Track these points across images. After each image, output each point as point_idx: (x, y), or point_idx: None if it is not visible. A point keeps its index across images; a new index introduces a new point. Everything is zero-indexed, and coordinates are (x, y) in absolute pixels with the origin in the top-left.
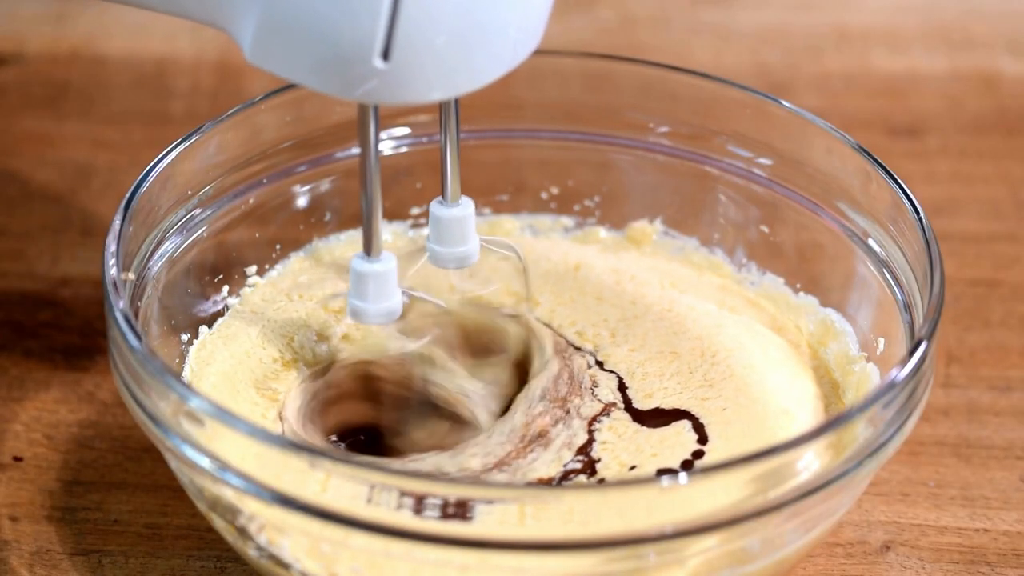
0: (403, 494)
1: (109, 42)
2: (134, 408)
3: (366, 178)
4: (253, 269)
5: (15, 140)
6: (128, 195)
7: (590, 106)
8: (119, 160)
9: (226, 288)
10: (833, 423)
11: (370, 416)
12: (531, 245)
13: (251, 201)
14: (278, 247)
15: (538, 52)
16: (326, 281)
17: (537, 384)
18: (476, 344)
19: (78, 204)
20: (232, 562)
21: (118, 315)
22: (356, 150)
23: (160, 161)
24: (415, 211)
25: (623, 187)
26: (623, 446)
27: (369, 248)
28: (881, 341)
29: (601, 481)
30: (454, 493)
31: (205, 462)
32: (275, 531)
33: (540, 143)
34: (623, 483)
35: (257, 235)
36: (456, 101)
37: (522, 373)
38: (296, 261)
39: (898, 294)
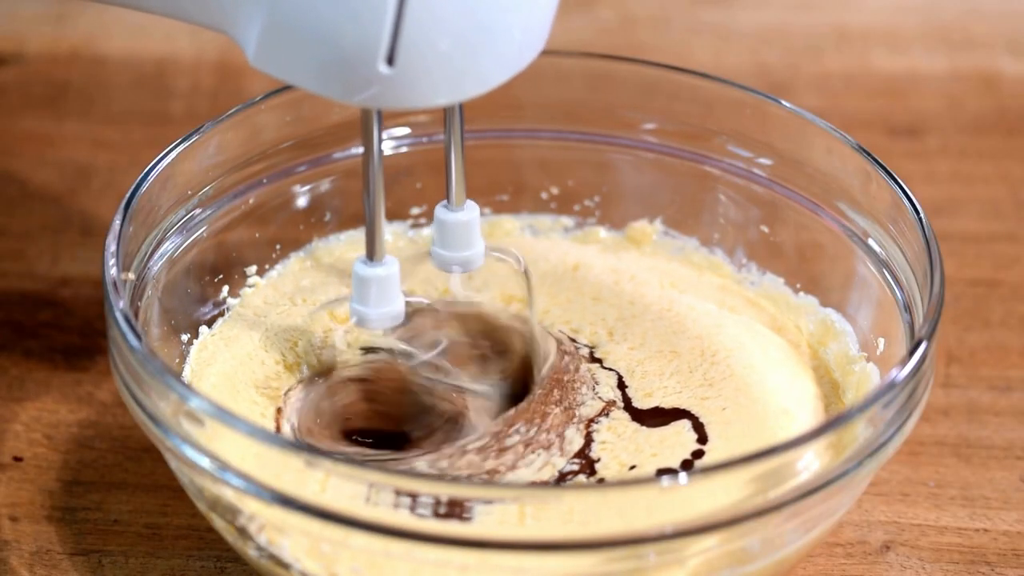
0: (402, 494)
1: (109, 42)
2: (134, 408)
3: (369, 182)
4: (253, 269)
5: (15, 140)
6: (128, 195)
7: (590, 106)
8: (119, 160)
9: (226, 288)
10: (833, 423)
11: (373, 420)
12: (531, 245)
13: (251, 201)
14: (278, 247)
15: None
16: (328, 285)
17: (540, 386)
18: (480, 348)
19: (78, 204)
20: (232, 562)
21: (118, 315)
22: (356, 150)
23: (160, 161)
24: (415, 211)
25: (623, 187)
26: (623, 446)
27: (372, 252)
28: (881, 341)
29: (601, 481)
30: (454, 493)
31: (205, 462)
32: (275, 531)
33: (540, 143)
34: (623, 483)
35: (257, 235)
36: (460, 105)
37: (526, 375)
38: (296, 261)
39: (898, 294)
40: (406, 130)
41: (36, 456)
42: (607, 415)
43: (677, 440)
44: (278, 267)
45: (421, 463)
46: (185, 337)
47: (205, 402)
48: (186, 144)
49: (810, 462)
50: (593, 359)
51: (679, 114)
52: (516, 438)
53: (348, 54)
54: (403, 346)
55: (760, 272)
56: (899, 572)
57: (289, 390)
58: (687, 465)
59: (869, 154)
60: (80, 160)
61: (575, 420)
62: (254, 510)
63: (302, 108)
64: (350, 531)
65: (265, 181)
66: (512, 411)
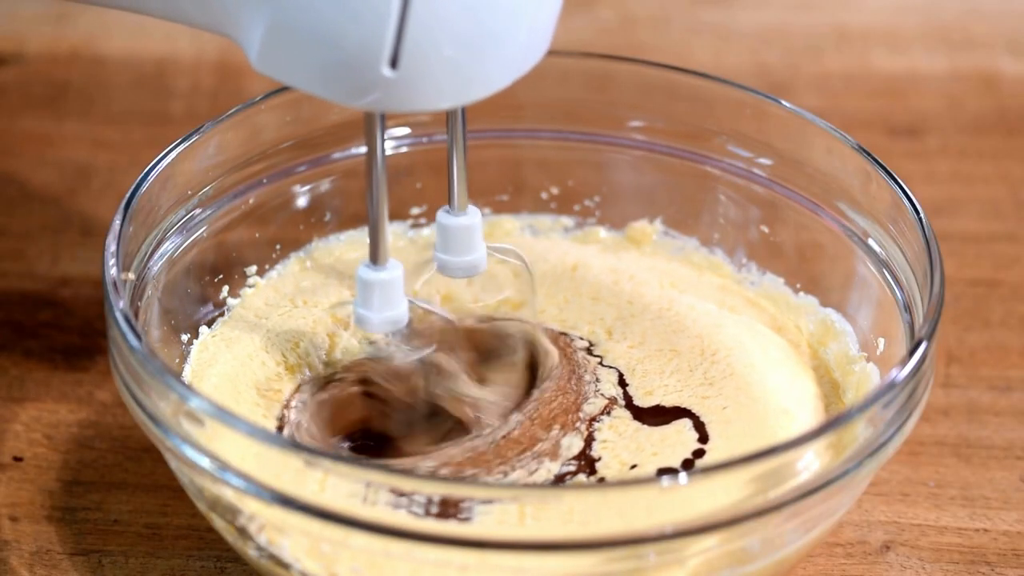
0: (403, 494)
1: (109, 42)
2: (134, 408)
3: (372, 186)
4: (253, 269)
5: (15, 140)
6: (128, 195)
7: (590, 106)
8: (119, 160)
9: (226, 288)
10: (833, 423)
11: (377, 424)
12: (530, 245)
13: (251, 201)
14: (278, 247)
15: None
16: (329, 287)
17: (544, 387)
18: (483, 351)
19: (78, 204)
20: (232, 562)
21: (118, 315)
22: (356, 150)
23: (160, 161)
24: (415, 211)
25: (623, 187)
26: (624, 444)
27: (376, 256)
28: (881, 341)
29: (601, 480)
30: (454, 493)
31: (205, 462)
32: (275, 531)
33: (540, 143)
34: (623, 483)
35: (257, 235)
36: (463, 109)
37: (531, 377)
38: (296, 261)
39: (898, 294)
40: (406, 130)
41: (36, 456)
42: (608, 413)
43: (678, 439)
44: (278, 267)
45: (423, 465)
46: (185, 337)
47: (205, 402)
48: (186, 144)
49: (810, 462)
50: (591, 356)
51: (679, 114)
52: (519, 440)
53: (351, 57)
54: (407, 350)
55: (760, 272)
56: (899, 572)
57: (292, 395)
58: (688, 464)
59: (869, 154)
60: (80, 160)
61: (579, 420)
62: (254, 510)
63: (302, 108)
64: (350, 531)
65: (265, 181)
66: (516, 413)
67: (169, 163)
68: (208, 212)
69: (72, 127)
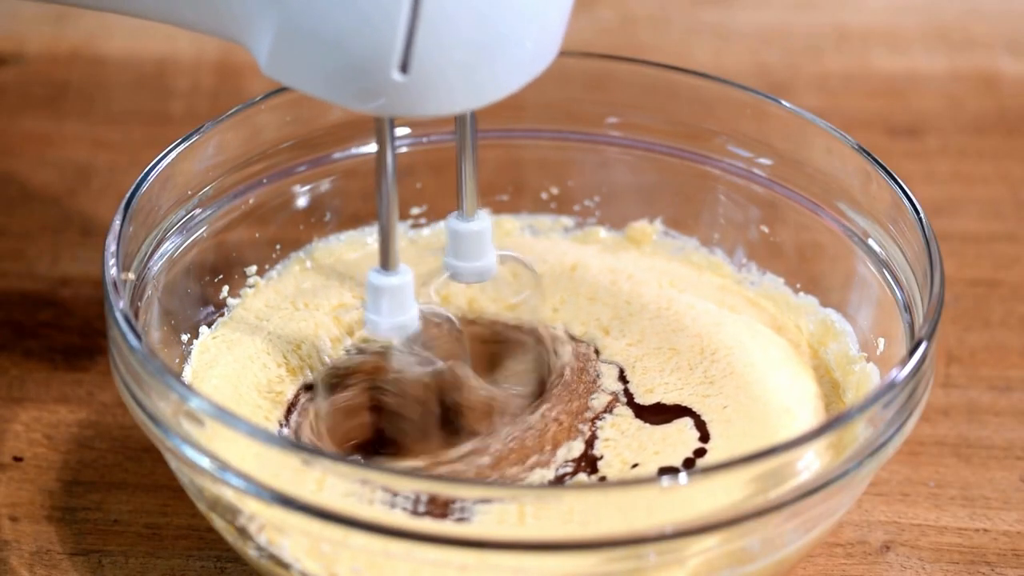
0: (403, 494)
1: (109, 42)
2: (134, 408)
3: (382, 191)
4: (253, 269)
5: (15, 140)
6: (128, 195)
7: (590, 106)
8: (119, 160)
9: (226, 288)
10: (833, 423)
11: (388, 429)
12: (530, 245)
13: (251, 201)
14: (278, 247)
15: None
16: (330, 288)
17: (556, 391)
18: (494, 355)
19: (78, 204)
20: (232, 562)
21: (118, 315)
22: (356, 150)
23: (160, 161)
24: (415, 211)
25: (623, 187)
26: (626, 443)
27: (386, 262)
28: (881, 341)
29: (602, 479)
30: (453, 493)
31: (205, 462)
32: (275, 531)
33: (540, 143)
34: (623, 483)
35: (257, 235)
36: (472, 114)
37: (542, 379)
38: (296, 262)
39: (898, 294)
40: (406, 130)
41: (36, 456)
42: (611, 411)
43: (679, 438)
44: (278, 267)
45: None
46: (185, 337)
47: (205, 402)
48: (186, 144)
49: (810, 462)
50: (594, 351)
51: (679, 114)
52: (527, 443)
53: (361, 62)
54: (417, 356)
55: (760, 272)
56: (899, 572)
57: (297, 399)
58: (689, 464)
59: (869, 154)
60: (80, 160)
61: (584, 420)
62: (254, 510)
63: (302, 108)
64: (350, 531)
65: (265, 181)
66: (526, 416)
67: (169, 163)
68: (208, 212)
69: (72, 127)
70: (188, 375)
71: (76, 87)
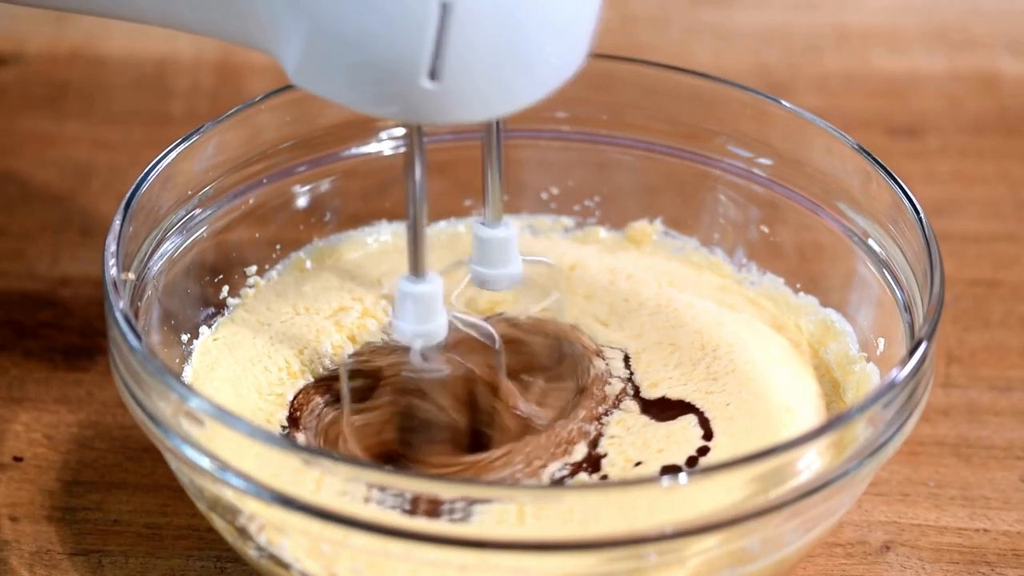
0: (403, 494)
1: (109, 42)
2: (134, 408)
3: (411, 198)
4: (253, 269)
5: (15, 140)
6: (128, 195)
7: (590, 106)
8: (119, 160)
9: (226, 288)
10: (833, 423)
11: (416, 436)
12: (530, 245)
13: (251, 201)
14: (278, 247)
15: None
16: (330, 291)
17: (585, 392)
18: (523, 359)
19: (78, 204)
20: (232, 562)
21: (118, 315)
22: (356, 150)
23: (160, 161)
24: None
25: (623, 187)
26: (631, 441)
27: (416, 268)
28: (881, 341)
29: (604, 478)
30: (454, 493)
31: (205, 462)
32: (275, 531)
33: (540, 143)
34: (624, 483)
35: (257, 235)
36: (498, 121)
37: (571, 381)
38: (296, 262)
39: (898, 294)
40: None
41: (36, 456)
42: (618, 405)
43: (683, 436)
44: (278, 267)
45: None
46: (185, 337)
47: (205, 402)
48: (186, 144)
49: (810, 462)
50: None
51: (679, 114)
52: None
53: (390, 70)
54: (445, 362)
55: (760, 272)
56: (899, 572)
57: (301, 400)
58: (692, 462)
59: (869, 154)
60: (80, 160)
61: (594, 415)
62: (254, 510)
63: (302, 108)
64: (350, 531)
65: (265, 181)
66: (558, 421)
67: (169, 163)
68: (208, 212)
69: (72, 127)
70: (188, 376)
71: (76, 87)
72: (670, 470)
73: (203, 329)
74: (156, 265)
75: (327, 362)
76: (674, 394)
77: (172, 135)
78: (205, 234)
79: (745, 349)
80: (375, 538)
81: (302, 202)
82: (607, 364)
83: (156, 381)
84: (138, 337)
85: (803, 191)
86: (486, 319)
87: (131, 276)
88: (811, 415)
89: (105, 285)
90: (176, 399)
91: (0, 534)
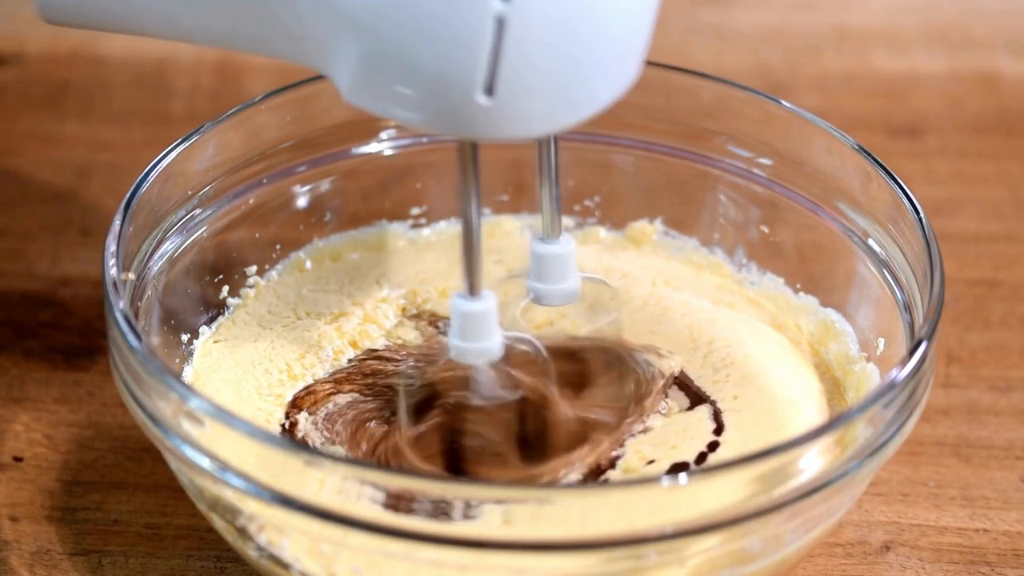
0: (403, 494)
1: (109, 42)
2: (134, 408)
3: (467, 216)
4: (253, 269)
5: (15, 140)
6: (128, 195)
7: None
8: (119, 160)
9: (226, 288)
10: (834, 423)
11: (471, 455)
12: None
13: (251, 201)
14: (278, 247)
15: None
16: (331, 295)
17: (639, 402)
18: (579, 376)
19: (78, 204)
20: (232, 562)
21: (118, 315)
22: (356, 150)
23: (160, 161)
24: (415, 211)
25: (623, 187)
26: (648, 436)
27: (471, 287)
28: (881, 341)
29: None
30: (454, 493)
31: (205, 462)
32: (275, 531)
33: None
34: (624, 483)
35: (257, 235)
36: (554, 136)
37: (629, 400)
38: (296, 262)
39: (898, 294)
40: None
41: (36, 456)
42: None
43: (697, 431)
44: (278, 267)
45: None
46: (185, 337)
47: (205, 402)
48: (186, 144)
49: (810, 462)
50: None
51: (679, 114)
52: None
53: (445, 86)
54: (501, 380)
55: (760, 272)
56: (899, 572)
57: (316, 400)
58: (702, 458)
59: (869, 154)
60: (80, 160)
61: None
62: (254, 510)
63: (302, 108)
64: (350, 531)
65: (265, 181)
66: (605, 435)
67: (169, 163)
68: (208, 212)
69: (72, 127)
70: (189, 376)
71: (76, 87)
72: (678, 468)
73: (203, 329)
74: (156, 265)
75: (328, 367)
76: (687, 382)
77: (172, 135)
78: (205, 234)
79: (743, 345)
80: (375, 538)
81: (302, 202)
82: (663, 379)
83: (156, 381)
84: (138, 337)
85: (803, 191)
86: (538, 336)
87: (131, 276)
88: (815, 411)
89: (105, 285)
90: (176, 399)
91: (0, 534)
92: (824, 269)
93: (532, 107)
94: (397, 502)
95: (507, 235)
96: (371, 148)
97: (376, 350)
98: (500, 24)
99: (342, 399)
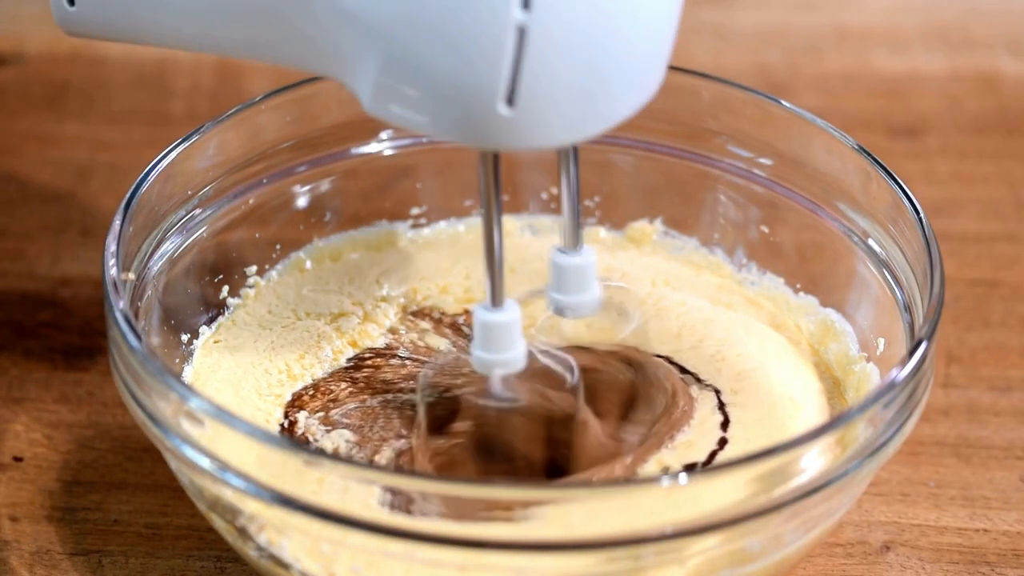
0: (403, 494)
1: (109, 42)
2: (134, 408)
3: (489, 227)
4: (253, 269)
5: (15, 140)
6: (128, 195)
7: None
8: (119, 160)
9: (226, 288)
10: (834, 423)
11: (493, 468)
12: (529, 245)
13: (251, 201)
14: (278, 247)
15: None
16: (330, 295)
17: (666, 422)
18: (604, 388)
19: (78, 204)
20: (232, 562)
21: (118, 315)
22: (356, 150)
23: (160, 161)
24: (415, 211)
25: (623, 187)
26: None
27: (494, 298)
28: (881, 341)
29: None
30: (454, 493)
31: (205, 462)
32: (275, 531)
33: None
34: (623, 483)
35: (257, 235)
36: (575, 147)
37: (656, 410)
38: (296, 262)
39: (898, 294)
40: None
41: (36, 456)
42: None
43: (706, 426)
44: (278, 267)
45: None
46: (185, 337)
47: (205, 402)
48: (186, 144)
49: (810, 462)
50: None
51: (679, 114)
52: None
53: (466, 96)
54: (524, 391)
55: (760, 272)
56: (899, 572)
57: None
58: (712, 457)
59: (869, 154)
60: (80, 160)
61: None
62: (254, 510)
63: (302, 108)
64: (350, 531)
65: (265, 181)
66: (631, 450)
67: (169, 163)
68: (208, 212)
69: (72, 127)
70: (189, 376)
71: (76, 87)
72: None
73: (203, 329)
74: (156, 265)
75: (327, 367)
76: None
77: (172, 135)
78: (205, 234)
79: (738, 343)
80: (375, 538)
81: (302, 202)
82: (689, 389)
83: (156, 381)
84: (138, 337)
85: (803, 191)
86: (564, 348)
87: (131, 276)
88: (814, 409)
89: (105, 285)
90: (176, 399)
91: (0, 534)
92: (824, 269)
93: (554, 117)
94: (399, 502)
95: (507, 235)
96: (371, 148)
97: (376, 348)
98: (521, 33)
99: (342, 398)
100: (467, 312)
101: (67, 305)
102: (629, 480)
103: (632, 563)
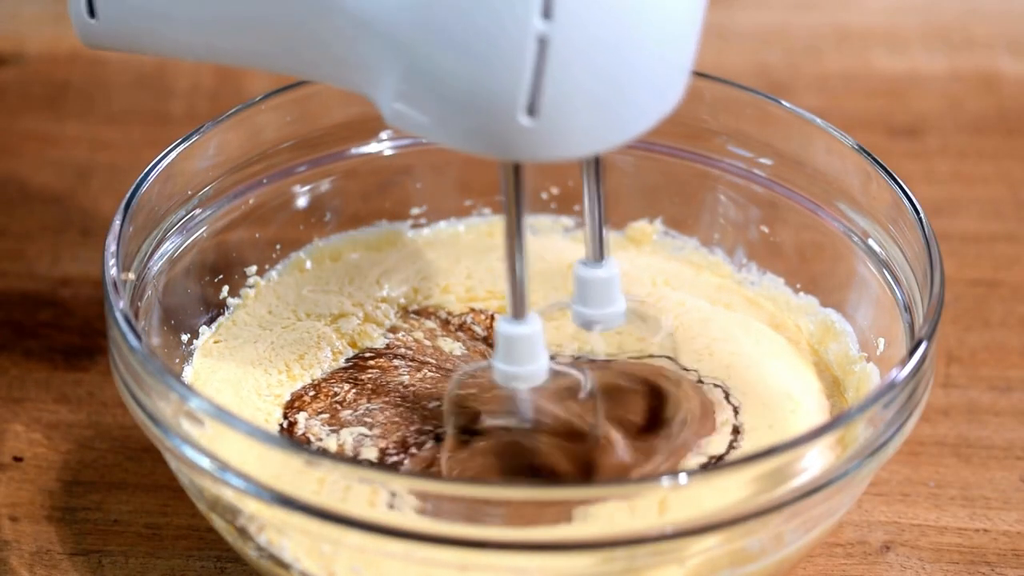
0: (403, 495)
1: None
2: (134, 408)
3: (512, 239)
4: (253, 269)
5: (15, 140)
6: (128, 195)
7: None
8: (119, 160)
9: (226, 288)
10: (834, 423)
11: (515, 480)
12: (529, 245)
13: (251, 201)
14: (278, 247)
15: None
16: (330, 296)
17: (688, 431)
18: (625, 401)
19: (78, 204)
20: (232, 562)
21: (118, 315)
22: (356, 150)
23: (160, 161)
24: (415, 211)
25: (623, 187)
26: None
27: (517, 310)
28: (881, 341)
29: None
30: (454, 493)
31: (205, 462)
32: (275, 531)
33: None
34: (623, 483)
35: (257, 235)
36: (598, 158)
37: (677, 423)
38: (296, 262)
39: (898, 294)
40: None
41: (36, 456)
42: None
43: (720, 423)
44: (278, 267)
45: None
46: (185, 337)
47: (205, 402)
48: (186, 144)
49: (810, 462)
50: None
51: (679, 114)
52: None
53: (488, 107)
54: (546, 404)
55: (760, 272)
56: (899, 572)
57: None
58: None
59: (869, 154)
60: (80, 160)
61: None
62: (254, 510)
63: (302, 108)
64: (350, 531)
65: (265, 181)
66: (650, 464)
67: (169, 163)
68: (208, 212)
69: (72, 127)
70: (189, 376)
71: (76, 87)
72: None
73: (203, 329)
74: (156, 265)
75: (327, 367)
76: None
77: (172, 135)
78: (205, 234)
79: (734, 343)
80: (374, 538)
81: (302, 202)
82: (711, 402)
83: (156, 381)
84: (138, 337)
85: (803, 191)
86: (583, 360)
87: (131, 276)
88: (814, 407)
89: (105, 285)
90: (176, 399)
91: (0, 534)
92: (824, 269)
93: (576, 127)
94: (398, 502)
95: None
96: (371, 148)
97: (377, 349)
98: (542, 44)
99: (348, 400)
100: (473, 311)
101: (67, 305)
102: (629, 480)
103: (632, 563)
